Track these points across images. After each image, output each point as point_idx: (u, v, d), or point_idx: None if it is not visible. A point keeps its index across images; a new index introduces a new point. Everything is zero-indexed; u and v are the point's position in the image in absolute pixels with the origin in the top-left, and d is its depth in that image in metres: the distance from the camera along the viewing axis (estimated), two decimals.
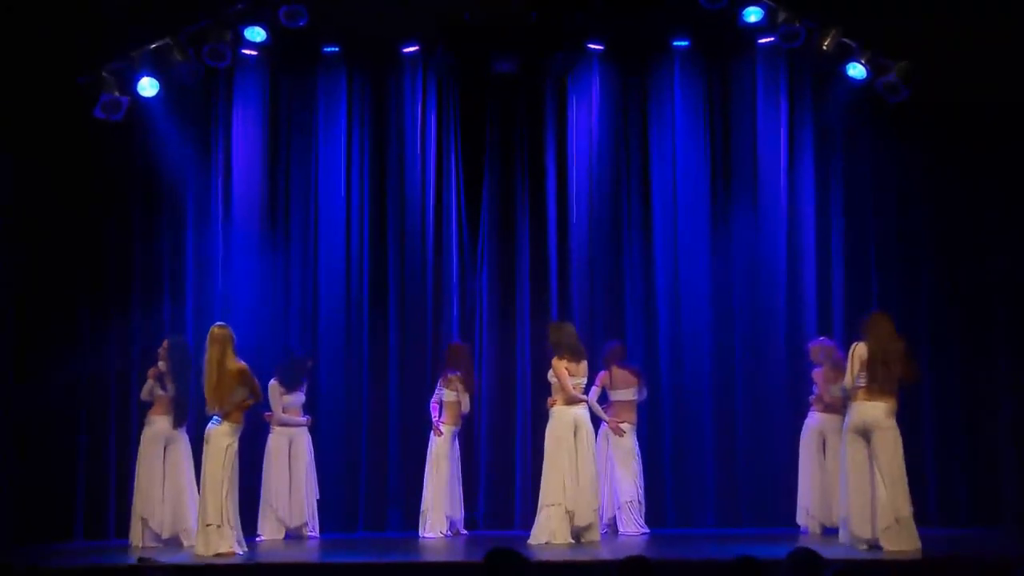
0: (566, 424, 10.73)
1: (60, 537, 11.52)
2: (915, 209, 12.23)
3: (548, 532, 10.55)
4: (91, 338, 11.91)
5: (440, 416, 11.62)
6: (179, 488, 10.96)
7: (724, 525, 12.05)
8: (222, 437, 9.95)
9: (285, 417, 11.52)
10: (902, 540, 9.54)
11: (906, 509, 9.61)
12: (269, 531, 11.37)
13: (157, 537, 10.91)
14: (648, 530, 11.41)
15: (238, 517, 10.05)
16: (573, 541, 10.54)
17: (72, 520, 11.71)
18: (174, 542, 10.90)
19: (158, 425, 11.04)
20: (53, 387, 11.60)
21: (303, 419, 11.63)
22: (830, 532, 10.92)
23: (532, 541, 10.55)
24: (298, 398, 11.62)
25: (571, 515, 10.59)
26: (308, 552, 10.77)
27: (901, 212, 12.27)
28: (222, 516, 9.85)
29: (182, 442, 11.05)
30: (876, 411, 9.72)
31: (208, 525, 9.86)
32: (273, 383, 11.45)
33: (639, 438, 11.71)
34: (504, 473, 12.37)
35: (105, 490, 11.76)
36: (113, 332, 11.95)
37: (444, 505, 11.48)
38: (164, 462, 11.03)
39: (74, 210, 11.93)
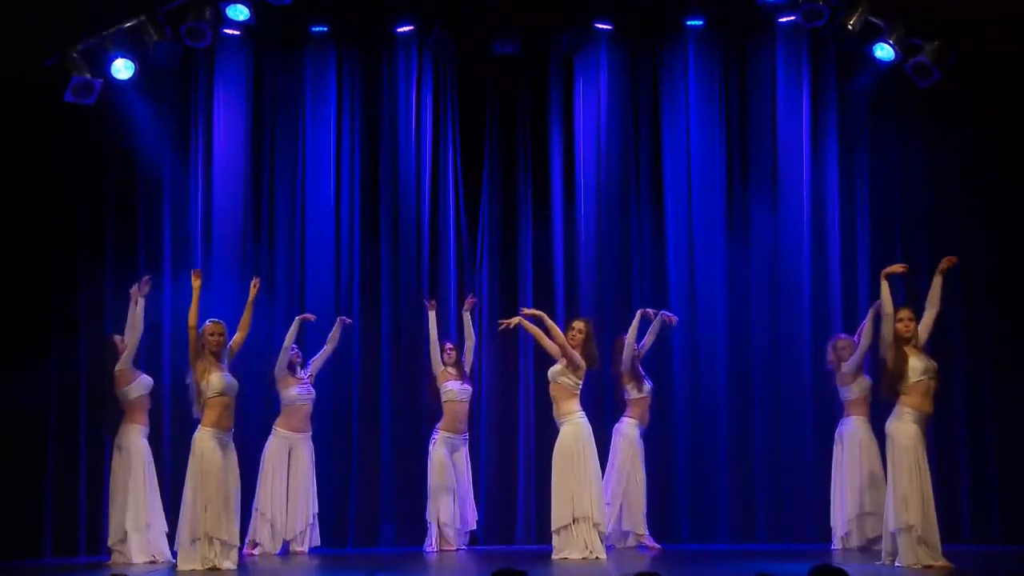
0: (589, 433, 10.66)
1: (28, 554, 11.36)
2: (947, 201, 12.13)
3: (579, 547, 10.41)
4: (61, 340, 11.74)
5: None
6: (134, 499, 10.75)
7: (741, 540, 11.95)
8: (195, 443, 9.85)
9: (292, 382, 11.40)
10: (912, 554, 9.36)
11: (900, 522, 9.39)
12: (259, 544, 11.22)
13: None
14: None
15: (227, 529, 9.80)
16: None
17: (41, 537, 11.52)
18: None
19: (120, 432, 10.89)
20: (20, 394, 11.38)
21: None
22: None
23: (564, 556, 10.38)
24: (303, 392, 11.49)
25: (598, 528, 10.56)
26: (296, 568, 10.66)
27: (932, 205, 12.17)
28: (190, 529, 9.71)
29: (136, 451, 10.77)
30: (890, 418, 9.69)
31: (194, 540, 9.73)
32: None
33: (649, 445, 11.68)
34: (505, 484, 12.28)
35: (75, 505, 11.58)
36: (84, 333, 11.78)
37: (439, 517, 11.32)
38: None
39: (42, 201, 11.76)
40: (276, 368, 11.34)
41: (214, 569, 9.66)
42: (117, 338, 11.01)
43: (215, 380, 9.82)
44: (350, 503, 12.15)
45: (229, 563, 9.77)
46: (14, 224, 11.63)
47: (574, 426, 10.64)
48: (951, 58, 11.55)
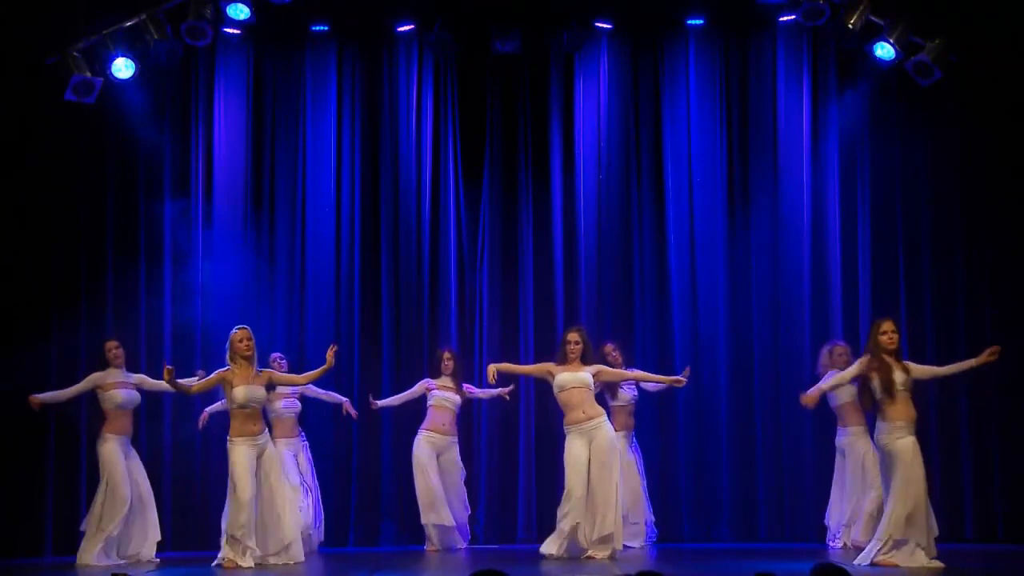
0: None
1: (29, 553, 11.46)
2: (948, 201, 12.17)
3: (610, 546, 10.33)
4: (62, 339, 11.82)
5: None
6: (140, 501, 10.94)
7: (742, 539, 12.05)
8: (229, 452, 10.00)
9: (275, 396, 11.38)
10: (908, 558, 9.38)
11: (902, 534, 9.38)
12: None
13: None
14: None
15: (246, 529, 9.85)
16: None
17: (41, 536, 11.63)
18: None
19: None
20: (21, 392, 11.31)
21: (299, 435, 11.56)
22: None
23: (600, 554, 10.32)
24: (288, 406, 11.49)
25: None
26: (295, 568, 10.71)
27: (933, 204, 12.21)
28: (228, 528, 9.91)
29: (105, 460, 10.82)
30: (881, 432, 9.65)
31: (227, 539, 9.94)
32: None
33: (649, 443, 11.81)
34: (506, 484, 12.34)
35: (76, 505, 11.61)
36: (85, 333, 11.86)
37: (428, 516, 11.40)
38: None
39: (43, 199, 11.85)
40: None
41: (237, 567, 9.80)
42: (112, 344, 11.02)
43: (239, 393, 9.93)
44: (350, 503, 12.22)
45: (248, 562, 9.88)
46: (14, 224, 11.71)
47: (610, 427, 10.47)
48: (952, 57, 11.59)
